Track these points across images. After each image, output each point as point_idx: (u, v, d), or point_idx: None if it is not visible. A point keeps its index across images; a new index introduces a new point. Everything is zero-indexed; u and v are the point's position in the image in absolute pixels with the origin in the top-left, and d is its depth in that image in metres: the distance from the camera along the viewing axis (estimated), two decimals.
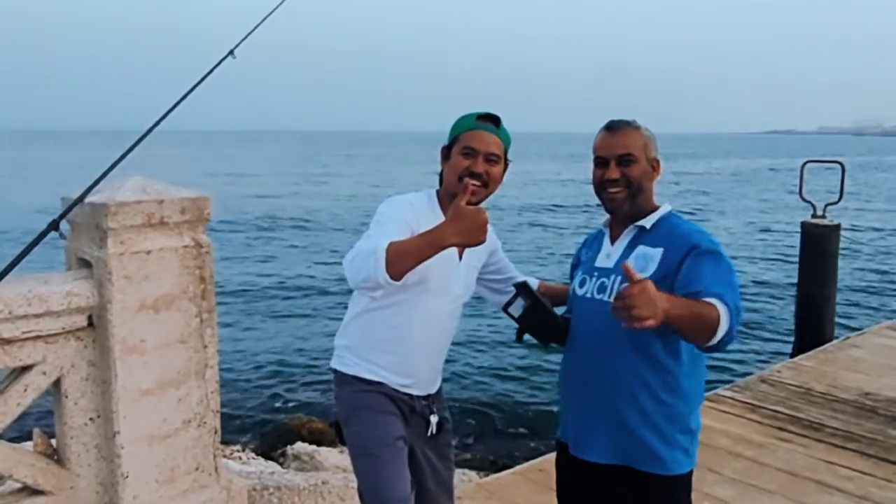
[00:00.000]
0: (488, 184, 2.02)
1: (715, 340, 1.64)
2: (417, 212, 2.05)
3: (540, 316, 1.97)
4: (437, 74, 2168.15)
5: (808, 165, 7.21)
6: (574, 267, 2.12)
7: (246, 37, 2.01)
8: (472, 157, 2.00)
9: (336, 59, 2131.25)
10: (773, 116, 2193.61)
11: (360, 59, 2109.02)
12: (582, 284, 1.97)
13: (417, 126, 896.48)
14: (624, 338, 1.82)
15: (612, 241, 1.97)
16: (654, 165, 1.93)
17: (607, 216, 2.01)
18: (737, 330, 1.69)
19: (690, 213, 23.95)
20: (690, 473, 1.91)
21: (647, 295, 1.51)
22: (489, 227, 2.01)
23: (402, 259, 1.76)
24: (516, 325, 2.03)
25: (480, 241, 1.80)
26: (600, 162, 1.91)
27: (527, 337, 2.05)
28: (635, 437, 1.84)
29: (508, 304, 1.99)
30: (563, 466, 2.06)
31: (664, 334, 1.81)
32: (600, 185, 1.91)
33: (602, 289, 1.90)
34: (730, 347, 1.99)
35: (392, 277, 1.75)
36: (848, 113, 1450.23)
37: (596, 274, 1.94)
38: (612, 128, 1.91)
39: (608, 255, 1.95)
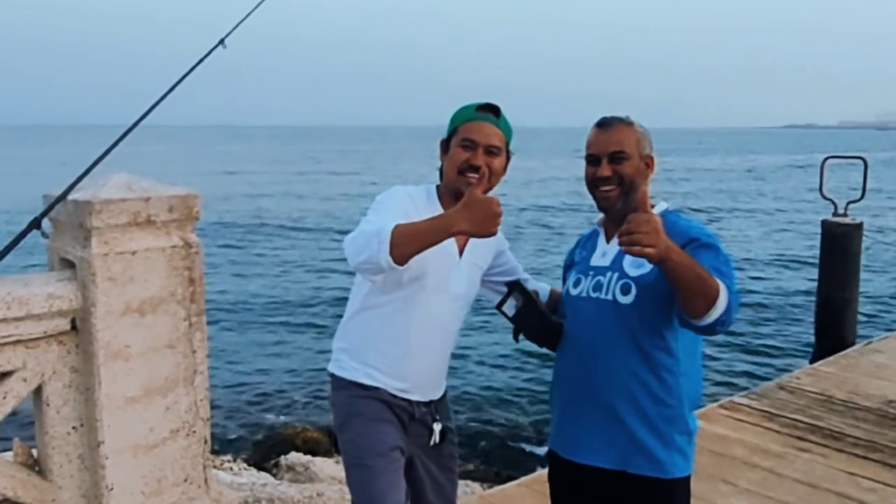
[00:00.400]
0: (489, 176, 2.02)
1: (712, 316, 1.67)
2: (416, 204, 2.05)
3: (533, 315, 2.00)
4: (436, 66, 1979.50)
5: (829, 161, 7.23)
6: (567, 268, 2.15)
7: (237, 26, 2.01)
8: (471, 150, 2.00)
9: (331, 50, 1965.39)
10: (792, 110, 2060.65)
11: (356, 51, 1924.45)
12: (577, 284, 2.00)
13: (415, 120, 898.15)
14: (621, 336, 1.86)
15: (608, 239, 1.99)
16: (648, 162, 1.95)
17: (601, 215, 2.04)
18: (734, 316, 1.73)
19: (703, 212, 23.95)
20: (689, 478, 1.93)
21: (654, 225, 1.56)
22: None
23: (408, 242, 1.76)
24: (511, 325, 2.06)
25: (491, 233, 1.80)
26: (592, 159, 1.94)
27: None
28: (634, 437, 1.86)
29: (501, 302, 2.02)
30: (556, 474, 2.08)
31: (662, 331, 1.85)
32: (592, 184, 1.95)
33: (598, 287, 1.92)
34: (746, 352, 2.00)
35: (395, 260, 1.76)
36: (871, 106, 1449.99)
37: (591, 273, 1.97)
38: (604, 124, 1.95)
39: (604, 253, 1.98)
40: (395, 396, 2.08)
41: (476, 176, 2.00)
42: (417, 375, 2.10)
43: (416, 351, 2.07)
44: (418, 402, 2.12)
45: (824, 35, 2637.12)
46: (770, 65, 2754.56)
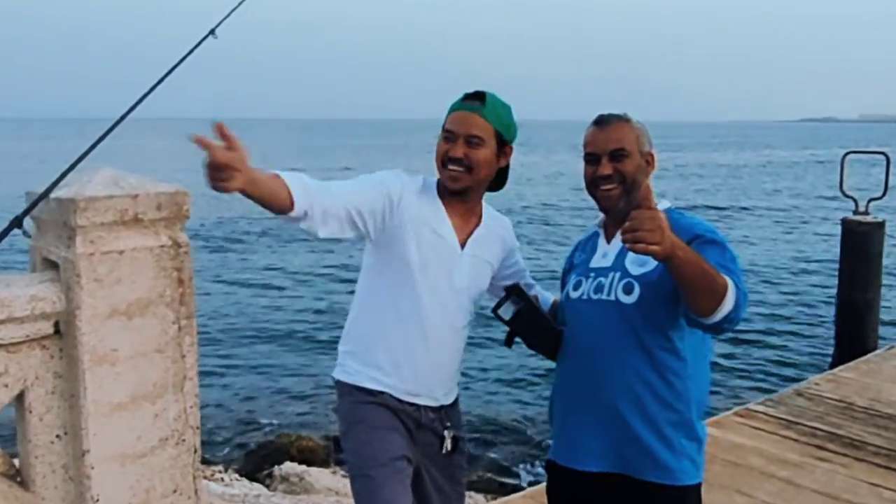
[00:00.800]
0: (471, 168, 2.02)
1: (721, 314, 1.70)
2: (405, 188, 2.07)
3: (531, 320, 2.00)
4: (436, 55, 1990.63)
5: (850, 157, 7.23)
6: (566, 272, 2.18)
7: (228, 14, 2.02)
8: (451, 141, 2.02)
9: (329, 38, 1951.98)
10: (809, 103, 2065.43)
11: (356, 40, 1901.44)
12: (577, 287, 2.02)
13: (415, 113, 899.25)
14: (625, 337, 1.89)
15: (608, 240, 2.02)
16: (649, 160, 1.99)
17: (601, 216, 2.08)
18: (743, 314, 1.76)
19: (716, 209, 23.95)
20: (699, 487, 1.94)
21: (658, 221, 1.58)
22: (508, 225, 2.20)
23: None
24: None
25: (213, 187, 1.82)
26: (591, 158, 1.98)
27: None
28: (639, 441, 1.88)
29: (498, 305, 2.02)
30: (555, 484, 2.09)
31: (667, 331, 1.88)
32: (592, 183, 1.98)
33: (599, 288, 1.95)
34: (762, 357, 2.01)
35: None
36: (893, 99, 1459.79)
37: (592, 274, 1.99)
38: (602, 122, 1.98)
39: (605, 254, 2.01)
40: (401, 401, 2.07)
41: (459, 169, 2.02)
42: (423, 375, 2.09)
43: (420, 348, 2.07)
44: (426, 408, 2.11)
45: (843, 24, 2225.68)
46: (786, 56, 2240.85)
